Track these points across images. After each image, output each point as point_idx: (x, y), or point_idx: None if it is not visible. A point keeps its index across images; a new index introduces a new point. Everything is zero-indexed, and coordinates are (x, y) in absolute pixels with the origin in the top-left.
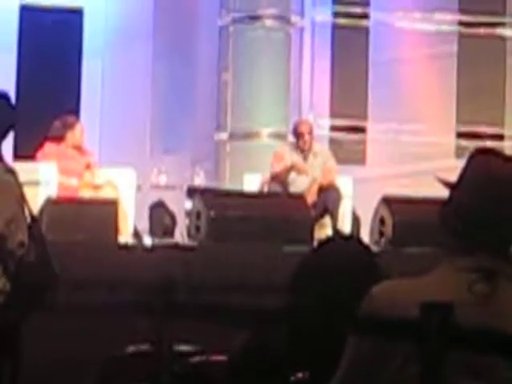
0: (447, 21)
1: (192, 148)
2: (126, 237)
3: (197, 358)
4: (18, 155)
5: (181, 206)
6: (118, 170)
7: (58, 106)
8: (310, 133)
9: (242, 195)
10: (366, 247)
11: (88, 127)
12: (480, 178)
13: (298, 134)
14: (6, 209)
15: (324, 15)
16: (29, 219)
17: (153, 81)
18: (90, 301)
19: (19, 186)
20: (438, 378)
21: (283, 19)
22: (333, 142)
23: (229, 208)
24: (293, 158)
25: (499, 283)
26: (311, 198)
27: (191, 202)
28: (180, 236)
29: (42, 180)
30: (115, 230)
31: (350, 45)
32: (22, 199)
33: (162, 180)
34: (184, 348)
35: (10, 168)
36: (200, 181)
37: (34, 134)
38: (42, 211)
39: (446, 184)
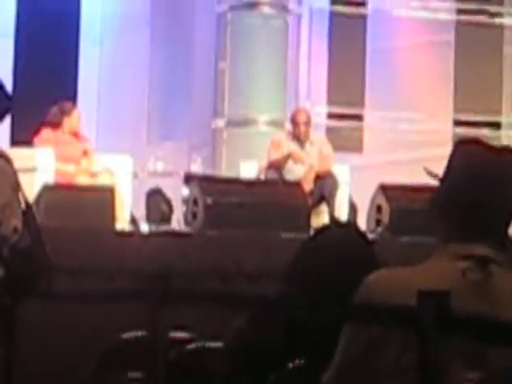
0: (445, 9)
1: (189, 135)
2: (122, 224)
3: (193, 345)
4: (14, 141)
5: (178, 192)
6: (114, 156)
7: (55, 91)
8: (307, 122)
9: (238, 182)
10: (363, 235)
11: (85, 114)
12: (466, 167)
13: (295, 124)
14: (0, 194)
15: (322, 2)
16: (23, 205)
17: (150, 68)
18: (86, 287)
19: (14, 171)
20: (435, 366)
21: (281, 6)
22: (330, 130)
23: (226, 195)
24: (290, 145)
25: (493, 270)
26: (308, 185)
27: (188, 189)
28: (177, 223)
29: (39, 166)
30: (112, 217)
31: (348, 32)
32: (17, 185)
33: (159, 167)
34: (180, 335)
35: (3, 154)
36: (197, 168)
37: (31, 119)
38: (38, 197)
39: (433, 175)
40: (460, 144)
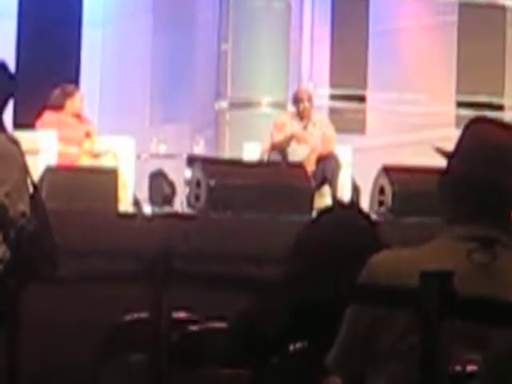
0: None
1: (192, 117)
2: (125, 205)
3: (195, 327)
4: (17, 123)
5: (180, 174)
6: (117, 138)
7: (57, 74)
8: (310, 100)
9: (241, 164)
10: (366, 216)
11: (88, 96)
12: (477, 147)
13: (297, 101)
14: (9, 178)
15: None
16: (31, 189)
17: (153, 50)
18: (89, 269)
19: (22, 156)
20: (437, 347)
21: None
22: (332, 112)
23: (228, 177)
24: (293, 127)
25: (497, 252)
26: (310, 167)
27: (191, 171)
28: (179, 205)
29: (42, 148)
30: (115, 199)
31: (350, 14)
32: (25, 169)
33: (162, 149)
34: (183, 316)
35: (13, 138)
36: (200, 150)
37: (34, 102)
38: (41, 180)
39: (444, 153)
40: (472, 123)
